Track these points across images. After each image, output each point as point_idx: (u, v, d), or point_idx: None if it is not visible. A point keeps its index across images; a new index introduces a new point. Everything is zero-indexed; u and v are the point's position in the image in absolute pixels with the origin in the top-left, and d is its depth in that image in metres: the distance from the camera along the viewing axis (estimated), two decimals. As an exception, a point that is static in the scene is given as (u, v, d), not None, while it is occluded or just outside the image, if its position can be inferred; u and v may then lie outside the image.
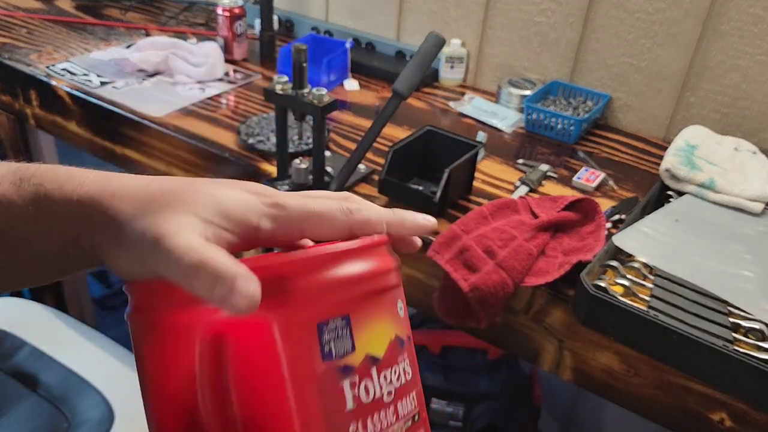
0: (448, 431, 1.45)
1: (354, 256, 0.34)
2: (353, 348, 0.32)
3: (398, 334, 0.35)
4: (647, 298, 0.79)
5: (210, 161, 1.09)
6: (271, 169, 1.04)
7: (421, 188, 0.99)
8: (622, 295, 0.78)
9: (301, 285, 0.31)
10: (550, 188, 1.04)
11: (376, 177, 1.01)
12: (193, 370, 0.31)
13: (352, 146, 1.10)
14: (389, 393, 0.33)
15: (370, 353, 0.33)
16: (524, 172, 1.07)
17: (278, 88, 0.88)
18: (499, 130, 1.22)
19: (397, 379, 0.34)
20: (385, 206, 1.06)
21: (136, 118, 1.16)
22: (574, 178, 1.06)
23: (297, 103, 0.88)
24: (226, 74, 1.35)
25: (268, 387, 0.30)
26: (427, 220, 0.40)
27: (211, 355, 0.30)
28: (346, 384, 0.31)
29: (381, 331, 0.34)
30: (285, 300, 0.30)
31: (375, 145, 0.97)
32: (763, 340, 0.75)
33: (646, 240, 0.87)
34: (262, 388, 0.30)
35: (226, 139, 1.11)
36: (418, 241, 0.41)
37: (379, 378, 0.33)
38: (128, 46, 1.40)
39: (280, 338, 0.30)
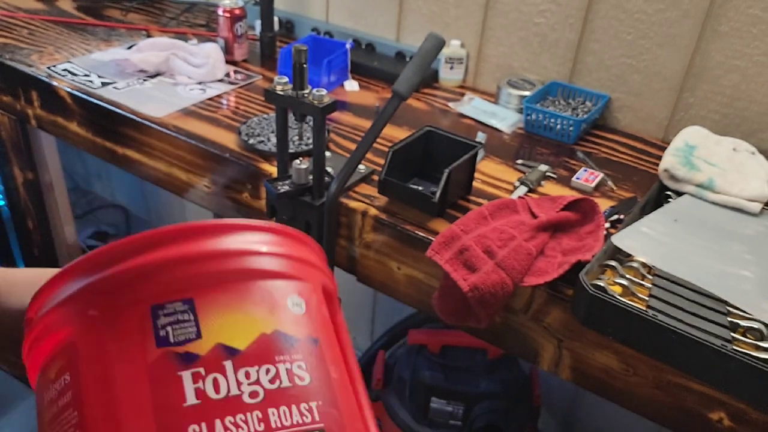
0: (447, 430, 1.45)
1: (188, 235, 0.30)
2: (199, 335, 0.28)
3: (279, 329, 0.30)
4: (646, 298, 0.79)
5: (211, 161, 1.10)
6: (272, 169, 1.04)
7: (420, 188, 1.00)
8: (621, 295, 0.78)
9: (125, 268, 0.28)
10: (550, 188, 1.04)
11: (376, 177, 1.01)
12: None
13: (352, 147, 1.11)
14: (253, 393, 0.28)
15: (224, 342, 0.28)
16: (523, 173, 1.08)
17: (279, 88, 0.89)
18: (499, 131, 1.22)
19: (272, 380, 0.28)
20: (384, 206, 1.05)
21: (136, 119, 1.16)
22: (573, 179, 1.06)
23: (297, 104, 0.88)
24: (227, 75, 1.35)
25: (98, 377, 0.27)
26: None
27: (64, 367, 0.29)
28: (186, 375, 0.27)
29: (241, 321, 0.29)
30: (111, 286, 0.28)
31: (375, 145, 0.98)
32: (762, 339, 0.75)
33: (645, 240, 0.87)
34: (96, 378, 0.27)
35: (227, 139, 1.11)
36: None
37: (236, 373, 0.28)
38: (129, 47, 1.41)
39: (104, 325, 0.27)
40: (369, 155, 1.07)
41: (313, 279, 0.34)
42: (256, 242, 0.33)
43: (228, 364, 0.28)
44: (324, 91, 0.87)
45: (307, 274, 0.34)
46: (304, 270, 0.34)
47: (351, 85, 1.37)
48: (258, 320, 0.30)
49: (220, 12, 1.39)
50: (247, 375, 0.28)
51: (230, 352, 0.28)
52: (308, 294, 0.33)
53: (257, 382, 0.28)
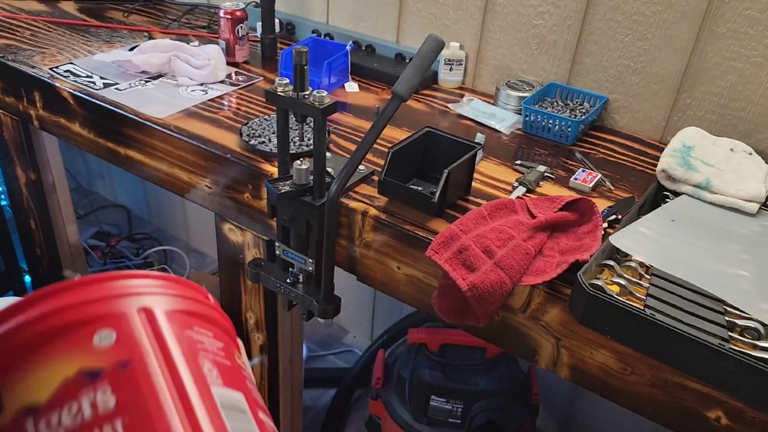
0: (447, 428, 1.46)
1: None
2: (1, 409, 0.30)
3: (84, 367, 0.31)
4: (643, 297, 0.80)
5: (212, 162, 1.11)
6: (273, 170, 1.05)
7: (420, 189, 1.01)
8: (618, 294, 0.79)
9: None
10: (548, 189, 1.05)
11: (376, 178, 1.02)
12: None
13: (353, 147, 1.11)
14: None
15: (26, 404, 0.30)
16: (522, 173, 1.08)
17: (279, 90, 0.89)
18: (498, 132, 1.23)
19: (77, 414, 0.30)
20: (384, 206, 1.06)
21: (139, 120, 1.17)
22: (572, 179, 1.07)
23: (298, 105, 0.89)
24: (228, 76, 1.36)
25: None
26: None
27: None
28: None
29: (45, 376, 0.30)
30: None
31: (375, 146, 0.98)
32: (759, 338, 0.76)
33: (643, 240, 0.88)
34: None
35: (228, 140, 1.12)
36: None
37: (37, 426, 0.29)
38: (131, 48, 1.41)
39: None
40: (369, 156, 1.07)
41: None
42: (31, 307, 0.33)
43: (29, 422, 0.29)
44: (324, 93, 0.88)
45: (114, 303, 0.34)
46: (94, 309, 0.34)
47: (351, 86, 1.37)
48: (60, 368, 0.31)
49: (221, 14, 1.40)
50: (60, 421, 0.29)
51: (30, 410, 0.30)
52: (111, 324, 0.33)
53: (60, 424, 0.29)
